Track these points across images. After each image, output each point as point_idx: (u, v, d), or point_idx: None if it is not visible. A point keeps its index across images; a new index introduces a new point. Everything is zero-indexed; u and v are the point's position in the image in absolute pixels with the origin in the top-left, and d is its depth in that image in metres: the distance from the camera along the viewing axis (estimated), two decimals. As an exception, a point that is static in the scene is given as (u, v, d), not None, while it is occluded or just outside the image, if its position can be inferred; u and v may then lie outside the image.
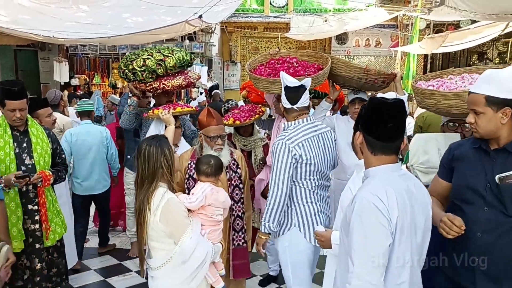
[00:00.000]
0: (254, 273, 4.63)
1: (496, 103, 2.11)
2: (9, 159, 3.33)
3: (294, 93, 3.10)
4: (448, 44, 9.66)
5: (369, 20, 12.27)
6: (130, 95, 4.91)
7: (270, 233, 3.06)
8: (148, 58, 4.14)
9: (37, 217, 3.43)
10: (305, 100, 3.12)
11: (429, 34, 11.54)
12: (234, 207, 3.37)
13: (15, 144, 3.39)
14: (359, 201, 1.84)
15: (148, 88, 4.24)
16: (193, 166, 3.19)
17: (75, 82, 12.93)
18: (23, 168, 3.38)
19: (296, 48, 15.38)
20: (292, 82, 3.13)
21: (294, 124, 3.09)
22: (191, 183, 3.25)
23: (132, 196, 5.03)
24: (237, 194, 3.40)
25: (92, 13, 10.17)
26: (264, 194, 3.82)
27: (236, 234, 3.42)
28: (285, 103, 3.13)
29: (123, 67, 4.25)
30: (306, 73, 3.79)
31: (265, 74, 3.84)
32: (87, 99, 6.05)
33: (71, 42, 11.83)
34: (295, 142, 2.98)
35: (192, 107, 4.13)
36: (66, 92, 10.99)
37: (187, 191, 3.19)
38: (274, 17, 14.82)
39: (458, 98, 2.78)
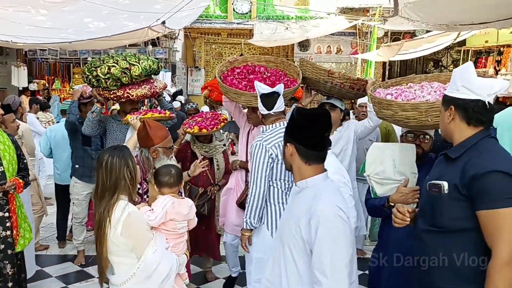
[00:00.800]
0: (217, 276, 4.71)
1: (445, 101, 2.05)
2: None
3: (269, 100, 3.27)
4: (404, 52, 10.06)
5: (330, 27, 12.57)
6: (83, 101, 4.93)
7: (252, 229, 3.22)
8: (113, 66, 4.03)
9: (8, 224, 3.42)
10: (280, 105, 3.29)
11: (386, 42, 11.94)
12: None
13: None
14: (324, 216, 1.84)
15: (111, 96, 4.15)
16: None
17: (33, 87, 12.61)
18: None
19: (260, 54, 15.55)
20: (267, 89, 3.31)
21: (272, 127, 3.27)
22: (137, 199, 3.01)
23: (80, 207, 5.04)
24: None
25: (51, 17, 9.95)
26: (241, 204, 3.83)
27: None
28: (262, 109, 3.29)
29: (87, 73, 4.15)
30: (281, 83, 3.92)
31: (243, 87, 3.89)
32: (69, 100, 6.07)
33: (30, 47, 11.54)
34: (272, 143, 3.16)
35: (166, 113, 4.05)
36: (24, 97, 10.73)
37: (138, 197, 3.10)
38: (238, 23, 14.95)
39: (415, 110, 2.57)
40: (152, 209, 2.62)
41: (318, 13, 13.50)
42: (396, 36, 13.53)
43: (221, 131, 5.68)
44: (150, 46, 12.63)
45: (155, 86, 4.33)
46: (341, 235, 1.84)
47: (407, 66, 16.62)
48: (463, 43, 11.65)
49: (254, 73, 4.13)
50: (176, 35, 13.65)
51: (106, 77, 4.02)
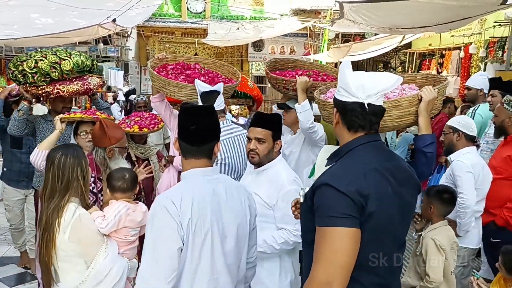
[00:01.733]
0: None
1: (334, 103, 1.89)
2: None
3: (209, 98, 3.24)
4: (353, 54, 10.36)
5: (283, 28, 12.76)
6: (10, 100, 4.66)
7: None
8: (41, 60, 3.78)
9: None
10: (219, 103, 3.27)
11: (337, 44, 12.24)
12: None
13: None
14: (154, 204, 1.83)
15: (40, 92, 3.87)
16: (92, 179, 3.04)
17: (-22, 85, 12.08)
18: None
19: (214, 54, 15.57)
20: (207, 87, 3.29)
21: None
22: (90, 198, 3.03)
23: (12, 213, 4.75)
24: None
25: (-5, 12, 9.57)
26: None
27: None
28: None
29: (12, 68, 3.85)
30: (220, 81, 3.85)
31: (180, 80, 3.77)
32: None
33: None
34: None
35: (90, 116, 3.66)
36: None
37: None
38: (192, 22, 14.90)
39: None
40: (104, 216, 2.49)
41: (272, 14, 13.67)
42: (346, 38, 13.87)
43: (162, 133, 5.63)
44: (102, 44, 12.36)
45: (89, 83, 4.09)
46: (162, 228, 1.77)
47: (358, 68, 17.08)
48: (409, 45, 12.11)
49: (190, 69, 4.05)
50: (129, 33, 13.44)
51: (33, 71, 3.76)
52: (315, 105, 3.51)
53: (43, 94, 3.92)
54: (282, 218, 2.67)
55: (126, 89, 12.26)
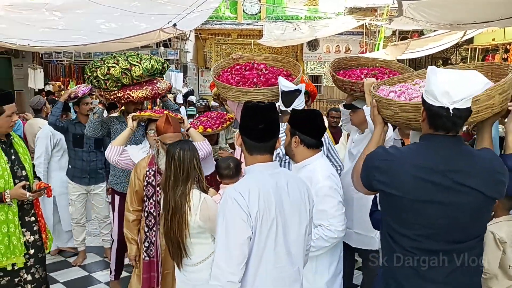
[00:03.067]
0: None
1: (422, 102, 2.00)
2: (7, 174, 3.13)
3: (289, 97, 3.26)
4: (411, 51, 10.10)
5: (339, 27, 12.64)
6: (95, 103, 4.88)
7: None
8: (113, 66, 3.90)
9: (35, 228, 3.33)
10: (298, 104, 3.27)
11: (394, 41, 11.99)
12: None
13: (6, 157, 3.19)
14: (224, 197, 1.97)
15: (112, 97, 4.04)
16: (152, 173, 3.21)
17: (49, 88, 12.87)
18: (16, 181, 3.18)
19: (270, 54, 15.69)
20: (289, 86, 3.29)
21: (284, 125, 3.17)
22: (150, 190, 3.22)
23: (74, 208, 5.00)
24: None
25: (65, 19, 10.17)
26: None
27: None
28: (280, 105, 3.28)
29: (88, 73, 4.03)
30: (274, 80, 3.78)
31: (234, 83, 3.78)
32: None
33: (46, 50, 11.77)
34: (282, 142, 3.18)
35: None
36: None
37: (145, 198, 3.22)
38: (247, 24, 15.09)
39: (417, 111, 2.23)
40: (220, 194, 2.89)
41: (327, 13, 13.59)
42: (404, 35, 13.54)
43: (232, 129, 5.68)
44: (162, 48, 12.82)
45: (158, 87, 4.19)
46: (233, 218, 1.90)
47: (416, 65, 16.61)
48: (471, 41, 11.64)
49: (251, 69, 4.00)
50: (187, 36, 13.83)
51: (106, 78, 3.89)
52: None
53: (115, 99, 4.08)
54: (316, 214, 2.60)
55: (185, 90, 12.64)
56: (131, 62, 3.98)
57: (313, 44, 15.43)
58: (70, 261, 5.16)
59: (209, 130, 4.13)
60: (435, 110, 1.85)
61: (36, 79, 11.59)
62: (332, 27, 12.49)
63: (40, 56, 13.24)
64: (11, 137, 3.29)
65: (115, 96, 4.00)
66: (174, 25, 8.01)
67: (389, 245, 2.00)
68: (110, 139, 4.29)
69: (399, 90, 2.63)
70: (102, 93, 4.07)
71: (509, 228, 3.00)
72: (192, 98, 10.99)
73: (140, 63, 4.00)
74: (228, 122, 4.29)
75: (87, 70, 4.05)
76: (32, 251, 3.29)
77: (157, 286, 3.18)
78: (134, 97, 4.00)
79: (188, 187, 2.68)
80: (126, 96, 3.98)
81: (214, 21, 14.85)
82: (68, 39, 9.17)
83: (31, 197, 3.16)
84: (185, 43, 14.03)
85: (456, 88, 1.80)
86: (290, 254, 2.02)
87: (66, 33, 9.22)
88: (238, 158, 4.05)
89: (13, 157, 3.24)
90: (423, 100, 1.93)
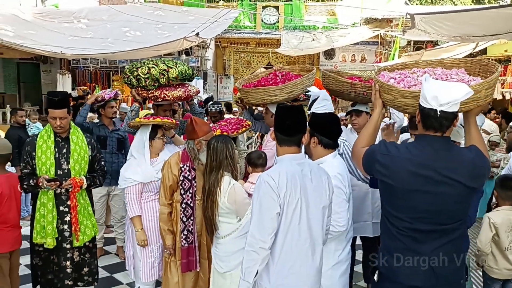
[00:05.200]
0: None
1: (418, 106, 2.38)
2: (49, 163, 3.53)
3: (311, 101, 3.51)
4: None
5: (355, 37, 12.86)
6: (99, 105, 5.15)
7: None
8: (152, 67, 4.27)
9: (66, 218, 3.60)
10: (317, 107, 3.43)
11: (409, 51, 12.17)
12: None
13: (56, 149, 3.58)
14: (259, 180, 2.36)
15: (149, 95, 4.35)
16: (187, 168, 3.48)
17: (74, 94, 13.30)
18: (59, 172, 3.55)
19: (287, 63, 16.00)
20: (312, 90, 3.59)
21: None
22: (186, 184, 3.49)
23: (95, 207, 5.00)
24: None
25: (92, 27, 10.55)
26: None
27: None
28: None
29: (128, 73, 4.36)
30: (279, 81, 4.07)
31: (251, 86, 4.03)
32: None
33: (77, 57, 12.16)
34: None
35: (172, 120, 4.09)
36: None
37: (182, 191, 3.48)
38: (266, 33, 15.36)
39: (414, 98, 2.46)
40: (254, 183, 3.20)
41: (344, 24, 13.83)
42: (418, 45, 13.68)
43: (244, 135, 5.81)
44: (184, 55, 13.15)
45: (189, 90, 4.55)
46: (265, 197, 2.29)
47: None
48: (484, 52, 11.75)
49: (274, 75, 4.26)
50: (208, 44, 14.19)
51: (146, 76, 4.23)
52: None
53: (152, 97, 4.41)
54: None
55: (205, 96, 12.98)
56: (168, 65, 4.36)
57: (329, 53, 15.65)
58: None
59: (225, 134, 4.21)
60: (426, 112, 2.19)
61: (64, 84, 12.03)
62: (349, 37, 12.70)
63: (68, 62, 13.71)
64: (70, 134, 3.68)
65: (152, 94, 4.32)
66: (197, 34, 8.31)
67: (385, 226, 2.37)
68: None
69: (399, 77, 2.78)
70: (139, 92, 4.37)
71: (507, 217, 3.57)
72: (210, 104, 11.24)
73: (176, 67, 4.36)
74: (244, 128, 4.47)
75: (127, 71, 4.39)
76: (59, 239, 3.59)
77: (195, 268, 3.50)
78: (170, 96, 4.34)
79: (220, 173, 3.13)
80: (162, 95, 4.32)
81: (233, 29, 15.16)
82: (96, 47, 9.55)
83: (47, 187, 3.46)
84: (206, 51, 14.39)
85: (443, 94, 2.13)
86: (311, 229, 2.39)
87: (94, 41, 9.57)
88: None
89: (64, 150, 3.61)
90: (419, 104, 2.26)
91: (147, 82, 4.26)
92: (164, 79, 4.29)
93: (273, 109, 3.91)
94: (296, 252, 2.36)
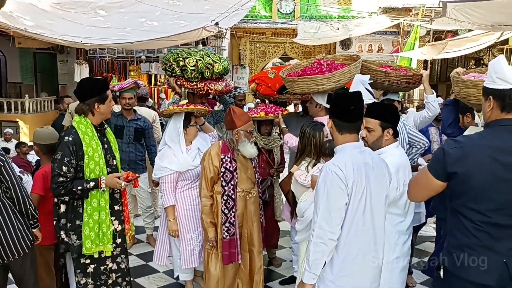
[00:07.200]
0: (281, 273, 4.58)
1: (485, 92, 2.22)
2: (102, 162, 3.09)
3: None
4: (447, 51, 10.02)
5: (372, 26, 12.60)
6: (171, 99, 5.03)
7: None
8: (199, 60, 4.31)
9: (123, 217, 3.26)
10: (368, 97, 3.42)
11: (428, 41, 11.89)
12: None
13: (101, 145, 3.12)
14: (325, 170, 2.28)
15: (193, 86, 4.37)
16: (228, 160, 3.40)
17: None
18: (108, 170, 3.13)
19: (302, 53, 15.78)
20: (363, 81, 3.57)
21: None
22: (228, 175, 3.40)
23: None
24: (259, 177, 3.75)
25: (109, 17, 10.49)
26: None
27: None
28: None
29: (171, 61, 4.33)
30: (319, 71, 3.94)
31: (296, 74, 3.94)
32: None
33: (96, 47, 12.10)
34: None
35: (205, 108, 3.97)
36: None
37: (223, 183, 3.40)
38: (282, 23, 15.11)
39: (475, 87, 2.79)
40: (306, 174, 3.34)
41: (361, 13, 13.57)
42: (438, 35, 13.38)
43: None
44: (201, 45, 13.00)
45: (229, 85, 4.65)
46: (333, 187, 2.23)
47: (448, 65, 16.39)
48: (505, 42, 11.45)
49: (319, 63, 4.12)
50: (224, 34, 14.04)
51: (193, 68, 4.27)
52: None
53: (194, 89, 4.42)
54: None
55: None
56: (213, 59, 4.41)
57: (346, 43, 15.38)
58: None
59: (270, 115, 4.18)
60: (508, 93, 2.03)
61: (81, 74, 11.98)
62: (366, 26, 12.45)
63: (85, 52, 13.66)
64: (105, 125, 3.25)
65: (196, 86, 4.39)
66: (217, 23, 8.17)
67: (458, 220, 2.13)
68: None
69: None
70: (181, 82, 4.40)
71: None
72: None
73: (220, 61, 4.42)
74: (286, 111, 4.41)
75: (171, 59, 4.38)
76: (119, 240, 3.21)
77: (237, 260, 3.46)
78: (213, 89, 4.42)
79: (302, 157, 3.39)
80: (206, 88, 4.39)
81: (249, 19, 14.93)
82: (114, 37, 9.46)
83: (124, 187, 3.14)
84: (222, 41, 14.24)
85: None
86: (374, 218, 2.33)
87: (112, 31, 9.49)
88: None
89: (105, 145, 3.17)
90: (489, 89, 2.11)
91: (192, 74, 4.30)
92: (208, 73, 4.34)
93: (317, 99, 3.88)
94: (360, 242, 2.31)
